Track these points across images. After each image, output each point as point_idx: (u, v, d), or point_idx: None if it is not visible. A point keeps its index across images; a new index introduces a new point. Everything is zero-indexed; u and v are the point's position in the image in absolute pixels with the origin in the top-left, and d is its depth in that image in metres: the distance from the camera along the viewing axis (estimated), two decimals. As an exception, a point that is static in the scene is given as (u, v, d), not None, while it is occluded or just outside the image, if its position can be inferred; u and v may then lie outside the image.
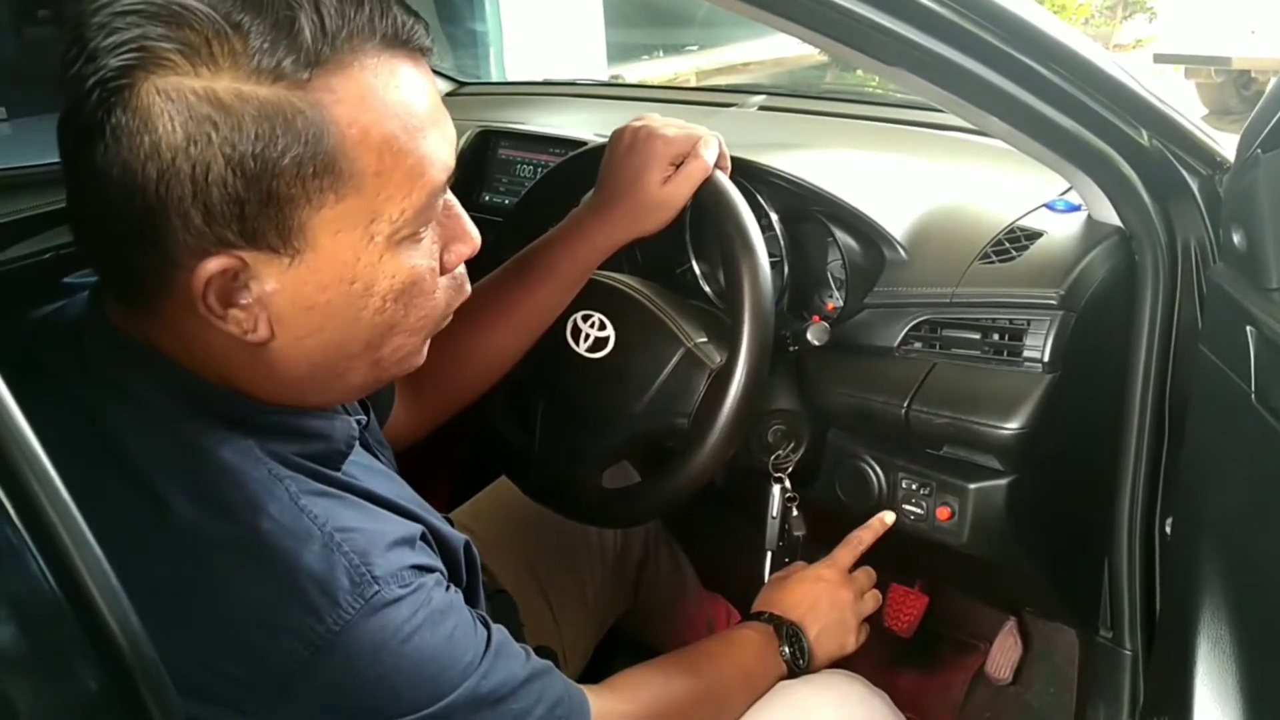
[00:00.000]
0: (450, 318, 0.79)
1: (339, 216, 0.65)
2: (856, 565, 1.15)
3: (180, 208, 0.61)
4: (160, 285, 0.65)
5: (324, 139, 0.62)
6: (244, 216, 0.62)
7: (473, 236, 0.76)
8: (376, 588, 0.67)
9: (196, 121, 0.59)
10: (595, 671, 0.89)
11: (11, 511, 0.41)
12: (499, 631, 0.78)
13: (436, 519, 0.81)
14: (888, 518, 1.15)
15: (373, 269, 0.67)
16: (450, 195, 0.74)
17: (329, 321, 0.68)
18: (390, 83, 0.65)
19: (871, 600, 1.14)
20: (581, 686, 0.86)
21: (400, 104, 0.65)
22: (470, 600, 0.79)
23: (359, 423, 0.80)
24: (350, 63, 0.62)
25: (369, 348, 0.72)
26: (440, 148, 0.68)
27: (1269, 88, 0.84)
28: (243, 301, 0.66)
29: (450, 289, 0.76)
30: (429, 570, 0.73)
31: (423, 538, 0.76)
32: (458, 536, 0.83)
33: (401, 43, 0.66)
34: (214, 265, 0.63)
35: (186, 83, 0.59)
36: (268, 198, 0.62)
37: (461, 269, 0.77)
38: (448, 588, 0.75)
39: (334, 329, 0.69)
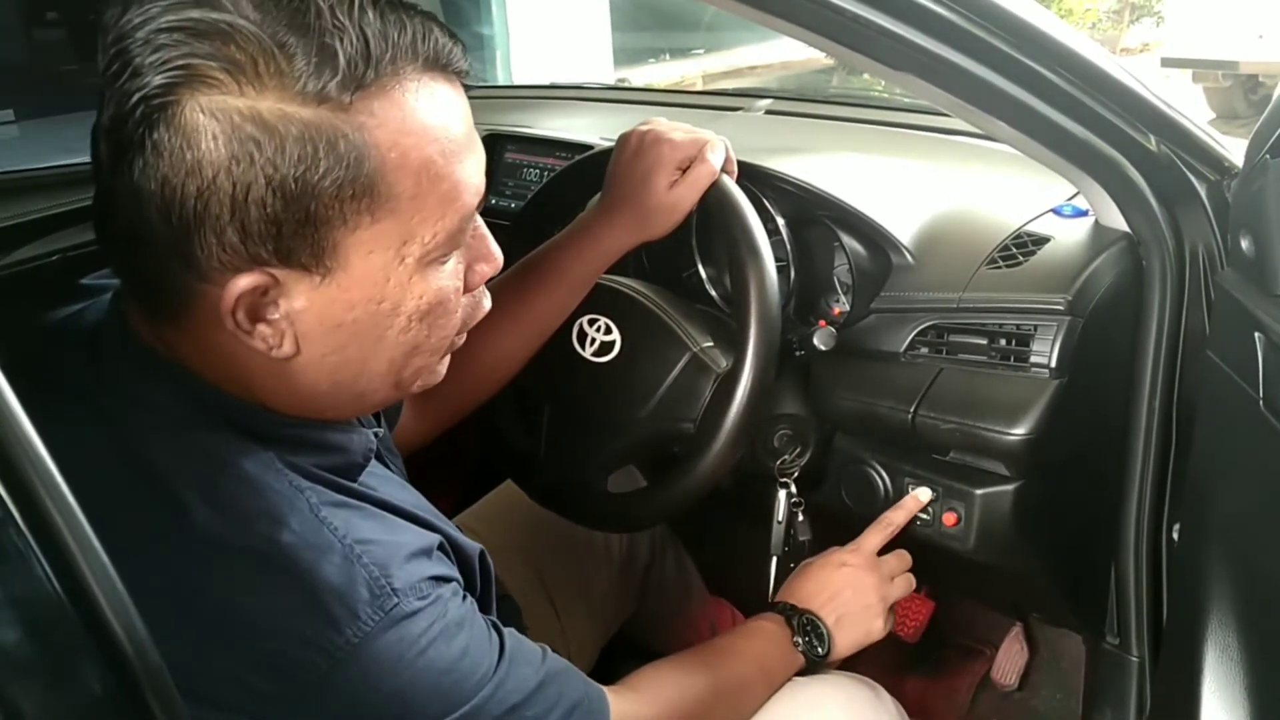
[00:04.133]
0: (465, 336, 0.79)
1: (373, 238, 0.65)
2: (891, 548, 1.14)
3: (217, 225, 0.61)
4: (188, 299, 0.65)
5: (365, 162, 0.62)
6: (280, 236, 0.62)
7: (496, 256, 0.77)
8: (395, 600, 0.67)
9: (240, 141, 0.59)
10: (601, 676, 0.89)
11: (15, 514, 0.41)
12: (511, 637, 0.78)
13: (451, 529, 0.81)
14: (922, 495, 1.14)
15: (401, 290, 0.68)
16: (477, 216, 0.74)
17: (354, 340, 0.68)
18: (430, 106, 0.65)
19: (903, 584, 1.13)
20: (601, 687, 0.86)
21: (439, 128, 0.65)
22: (483, 609, 0.79)
23: (375, 434, 0.80)
24: (392, 86, 0.63)
25: (391, 366, 0.72)
26: (474, 172, 0.69)
27: (1277, 93, 0.83)
28: (270, 317, 0.66)
29: (469, 307, 0.77)
30: (446, 580, 0.73)
31: (440, 547, 0.76)
32: (473, 546, 0.83)
33: (441, 66, 0.66)
34: (245, 282, 0.63)
35: (231, 101, 0.59)
36: (305, 218, 0.62)
37: (482, 286, 0.78)
38: (464, 598, 0.75)
39: (358, 347, 0.69)
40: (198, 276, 0.64)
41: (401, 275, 0.67)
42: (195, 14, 0.58)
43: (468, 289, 0.75)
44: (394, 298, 0.68)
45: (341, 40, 0.60)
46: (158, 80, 0.58)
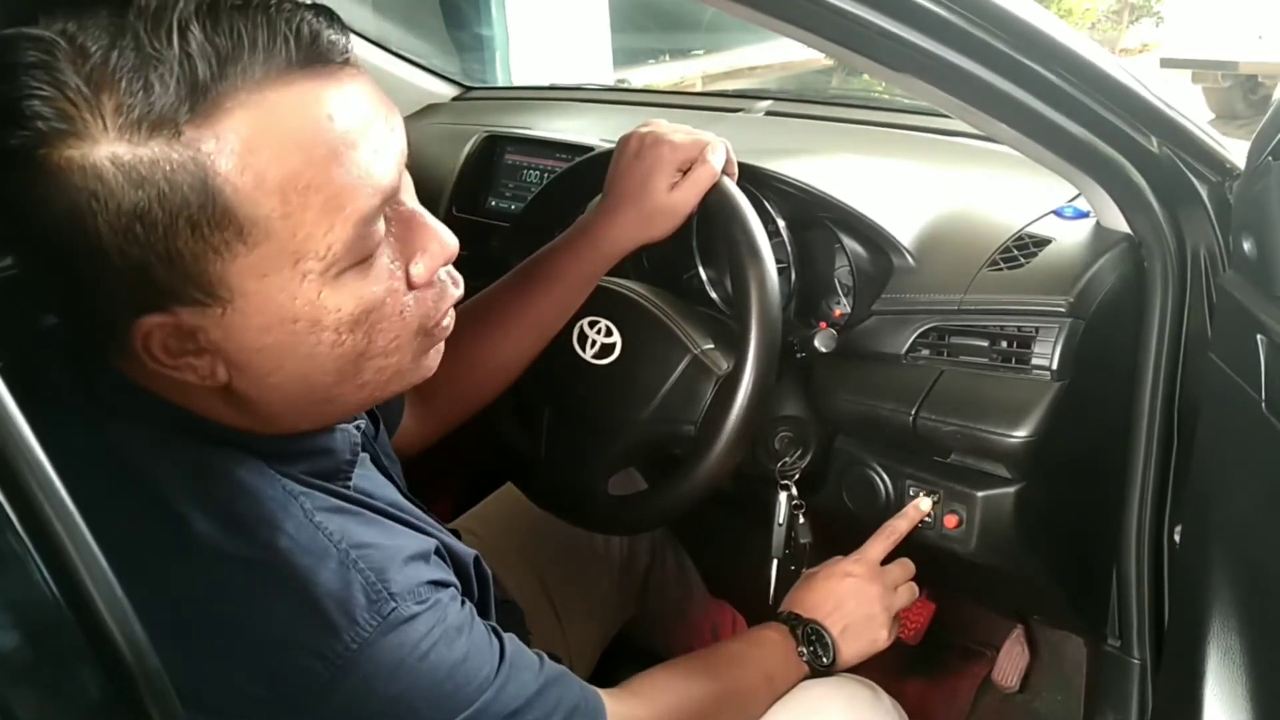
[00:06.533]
0: (447, 324, 0.75)
1: (258, 262, 0.60)
2: (894, 556, 1.14)
3: (89, 275, 0.59)
4: (108, 340, 0.64)
5: (212, 192, 0.57)
6: (153, 279, 0.59)
7: (444, 246, 0.70)
8: (394, 605, 0.67)
9: (76, 193, 0.56)
10: (601, 678, 0.89)
11: (14, 518, 0.41)
12: (511, 642, 0.78)
13: (446, 535, 0.81)
14: (924, 504, 1.13)
15: (313, 307, 0.63)
16: (410, 204, 0.69)
17: (286, 360, 0.65)
18: (288, 113, 0.58)
19: (906, 593, 1.13)
20: (599, 691, 0.86)
21: (303, 135, 0.59)
22: (481, 614, 0.78)
23: (359, 428, 0.79)
24: (232, 104, 0.57)
25: (344, 377, 0.68)
26: (369, 168, 0.62)
27: (1277, 94, 0.83)
28: (192, 349, 0.63)
29: (426, 300, 0.71)
30: (444, 585, 0.73)
31: (437, 552, 0.75)
32: (467, 552, 0.83)
33: (302, 62, 0.59)
34: (147, 324, 0.61)
35: (65, 155, 0.56)
36: (170, 258, 0.58)
37: (444, 274, 0.72)
38: (463, 603, 0.75)
39: (294, 365, 0.65)
40: (102, 322, 0.62)
41: (308, 293, 0.62)
42: (33, 70, 0.55)
43: (414, 284, 0.69)
44: (308, 315, 0.63)
45: (159, 68, 0.55)
46: (3, 144, 0.56)
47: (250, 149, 0.58)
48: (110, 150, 0.56)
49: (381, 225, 0.65)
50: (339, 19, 0.63)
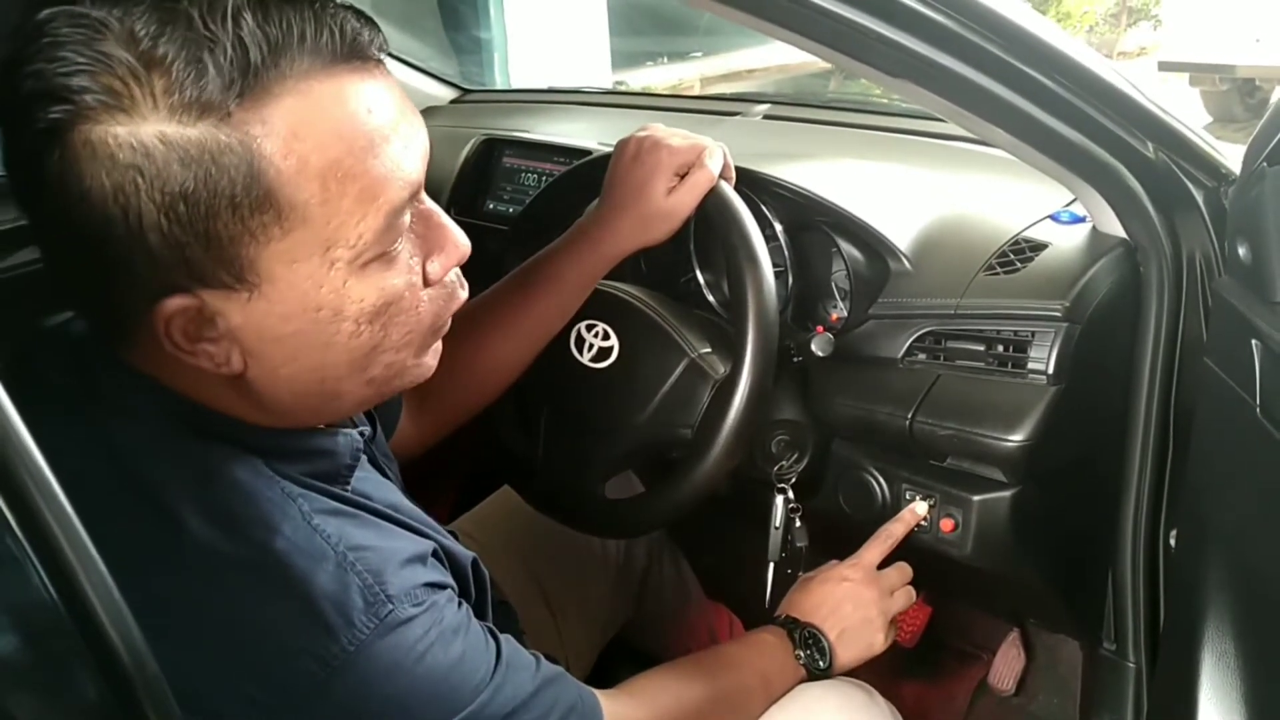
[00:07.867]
0: (448, 324, 0.77)
1: (290, 248, 0.62)
2: (892, 560, 1.14)
3: (121, 254, 0.59)
4: (126, 323, 0.64)
5: (258, 175, 0.59)
6: (188, 259, 0.60)
7: (458, 245, 0.73)
8: (390, 607, 0.67)
9: (121, 170, 0.57)
10: (598, 681, 0.89)
11: (12, 521, 0.41)
12: (508, 644, 0.78)
13: (444, 537, 0.81)
14: (919, 508, 1.14)
15: (338, 295, 0.65)
16: (429, 203, 0.71)
17: (302, 350, 0.66)
18: (331, 104, 0.61)
19: (904, 597, 1.13)
20: (595, 691, 0.86)
21: (344, 125, 0.62)
22: (479, 616, 0.78)
23: (362, 434, 0.79)
24: (280, 91, 0.59)
25: (355, 370, 0.69)
26: (400, 162, 0.65)
27: (1273, 100, 0.83)
28: (210, 335, 0.64)
29: (439, 299, 0.73)
30: (441, 587, 0.73)
31: (434, 554, 0.76)
32: (465, 554, 0.83)
33: (344, 57, 0.62)
34: (170, 306, 0.62)
35: (111, 131, 0.57)
36: (208, 239, 0.60)
37: (453, 275, 0.75)
38: (459, 605, 0.75)
39: (309, 356, 0.67)
40: (123, 303, 0.63)
41: (335, 281, 0.64)
42: (77, 47, 0.56)
43: (430, 282, 0.71)
44: (332, 304, 0.65)
45: (213, 51, 0.57)
46: (41, 116, 0.57)
47: (296, 135, 0.60)
48: (158, 128, 0.57)
49: (407, 218, 0.67)
50: (373, 19, 0.65)
